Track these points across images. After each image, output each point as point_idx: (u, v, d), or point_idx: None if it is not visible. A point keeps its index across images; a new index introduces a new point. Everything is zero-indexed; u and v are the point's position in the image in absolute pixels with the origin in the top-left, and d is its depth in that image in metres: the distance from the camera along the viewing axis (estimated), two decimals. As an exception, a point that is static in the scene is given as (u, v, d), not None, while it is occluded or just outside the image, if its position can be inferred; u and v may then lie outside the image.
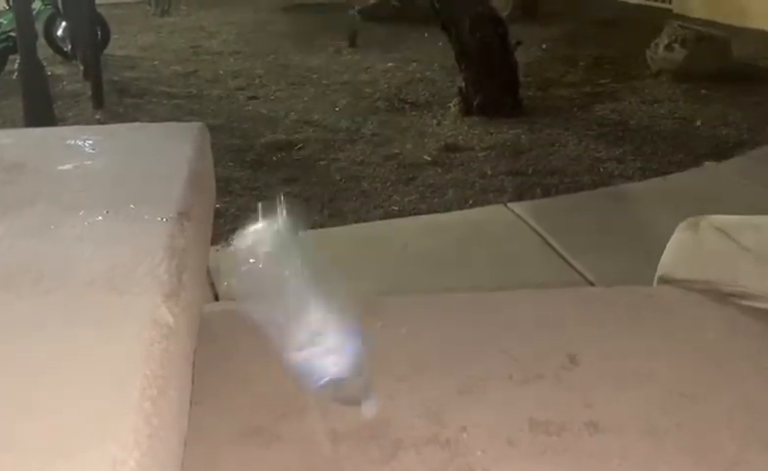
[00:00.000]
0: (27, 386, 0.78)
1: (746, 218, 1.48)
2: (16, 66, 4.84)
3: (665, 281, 1.50)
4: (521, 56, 5.45)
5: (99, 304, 0.92)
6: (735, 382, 1.20)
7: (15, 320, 0.91)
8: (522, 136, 4.75)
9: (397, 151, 4.60)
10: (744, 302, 1.35)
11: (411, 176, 4.22)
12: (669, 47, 5.89)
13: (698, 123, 4.96)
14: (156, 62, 6.90)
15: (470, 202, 3.86)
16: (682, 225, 1.51)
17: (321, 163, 4.46)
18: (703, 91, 5.48)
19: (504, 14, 6.37)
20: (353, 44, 7.24)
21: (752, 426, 1.09)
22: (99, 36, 6.21)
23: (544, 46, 6.96)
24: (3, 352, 0.84)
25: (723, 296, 1.39)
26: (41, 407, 0.75)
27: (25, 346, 0.85)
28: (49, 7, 6.65)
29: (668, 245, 1.52)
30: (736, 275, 1.38)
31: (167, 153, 1.39)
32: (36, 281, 0.98)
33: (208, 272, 1.83)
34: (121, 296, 0.94)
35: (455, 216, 3.72)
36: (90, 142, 1.43)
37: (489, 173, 4.21)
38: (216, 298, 2.75)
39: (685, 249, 1.50)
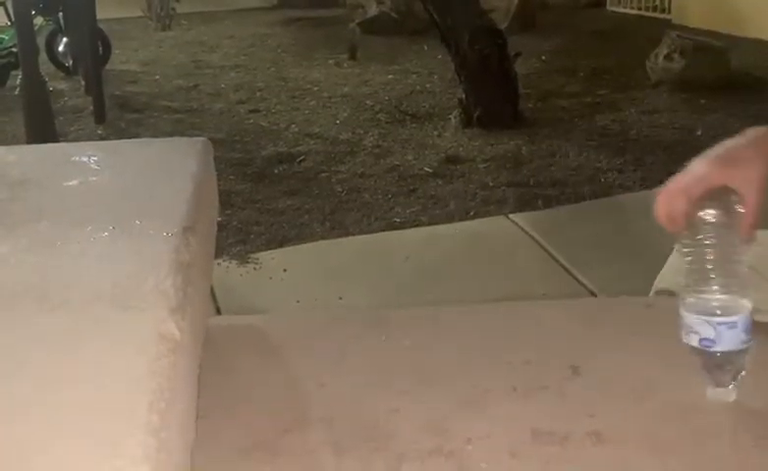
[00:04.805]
0: (35, 401, 0.79)
1: None
2: (18, 82, 4.87)
3: (661, 293, 1.51)
4: (520, 67, 5.48)
5: (105, 320, 0.93)
6: (737, 392, 1.20)
7: (21, 337, 0.91)
8: (523, 147, 4.77)
9: (398, 163, 4.62)
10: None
11: (412, 187, 4.23)
12: (668, 57, 5.92)
13: (698, 132, 4.98)
14: (158, 76, 6.94)
15: (472, 213, 3.88)
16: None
17: (322, 175, 4.48)
18: (702, 101, 5.51)
19: (503, 26, 6.41)
20: (353, 57, 7.27)
21: (755, 437, 1.10)
22: (101, 51, 6.24)
23: (543, 57, 6.99)
24: (10, 370, 0.85)
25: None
26: (49, 424, 0.75)
27: (31, 362, 0.86)
28: (50, 22, 6.69)
29: (668, 260, 1.53)
30: None
31: (172, 168, 1.40)
32: (42, 297, 0.99)
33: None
34: (127, 311, 0.94)
35: (456, 227, 3.74)
36: (95, 158, 1.44)
37: (490, 184, 4.23)
38: (218, 312, 2.77)
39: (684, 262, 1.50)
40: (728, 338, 0.96)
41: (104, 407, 0.77)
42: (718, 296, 0.96)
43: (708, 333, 0.96)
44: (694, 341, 0.98)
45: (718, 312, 0.96)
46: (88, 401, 0.78)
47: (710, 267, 0.96)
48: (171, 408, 0.81)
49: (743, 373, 1.00)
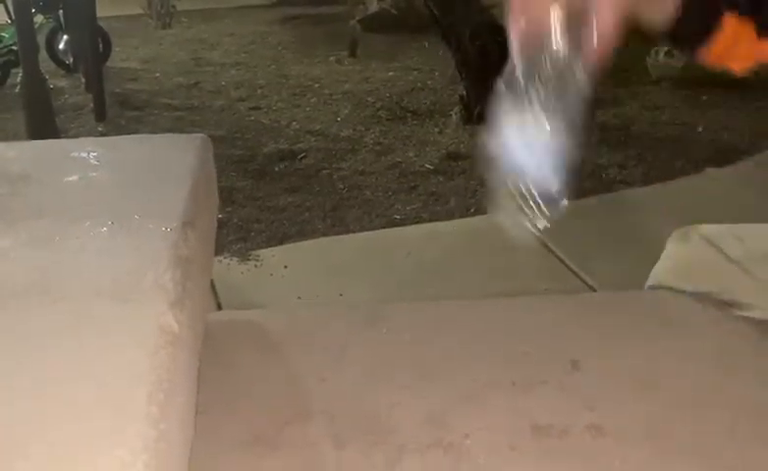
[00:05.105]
0: (37, 393, 0.79)
1: (731, 227, 1.50)
2: (18, 80, 4.87)
3: (655, 288, 1.51)
4: (521, 64, 5.46)
5: (105, 313, 0.93)
6: (735, 387, 1.21)
7: (22, 331, 0.92)
8: (524, 144, 4.77)
9: (399, 160, 4.61)
10: (736, 312, 1.36)
11: (413, 184, 4.23)
12: (669, 54, 5.90)
13: (700, 129, 4.97)
14: (158, 74, 6.93)
15: (472, 210, 3.87)
16: (673, 235, 1.53)
17: (324, 172, 4.47)
18: (704, 97, 5.49)
19: (504, 22, 6.39)
20: (353, 54, 7.26)
21: (753, 431, 1.10)
22: (101, 49, 6.23)
23: (544, 54, 6.98)
24: (11, 363, 0.85)
25: (720, 304, 1.40)
26: (51, 415, 0.75)
27: (33, 356, 0.86)
28: (51, 20, 6.67)
29: (661, 256, 1.53)
30: (724, 285, 1.39)
31: (171, 164, 1.40)
32: (43, 292, 0.99)
33: (212, 281, 1.84)
34: (126, 305, 0.95)
35: (457, 224, 3.73)
36: (95, 154, 1.44)
37: (491, 181, 4.23)
38: (219, 308, 2.77)
39: (675, 260, 1.51)
40: (537, 167, 0.85)
41: (104, 399, 0.77)
42: (531, 129, 0.83)
43: (518, 166, 0.85)
44: (503, 175, 0.86)
45: (529, 144, 0.84)
46: (89, 393, 0.78)
47: (534, 93, 0.83)
48: (170, 400, 0.81)
49: (564, 202, 0.87)
